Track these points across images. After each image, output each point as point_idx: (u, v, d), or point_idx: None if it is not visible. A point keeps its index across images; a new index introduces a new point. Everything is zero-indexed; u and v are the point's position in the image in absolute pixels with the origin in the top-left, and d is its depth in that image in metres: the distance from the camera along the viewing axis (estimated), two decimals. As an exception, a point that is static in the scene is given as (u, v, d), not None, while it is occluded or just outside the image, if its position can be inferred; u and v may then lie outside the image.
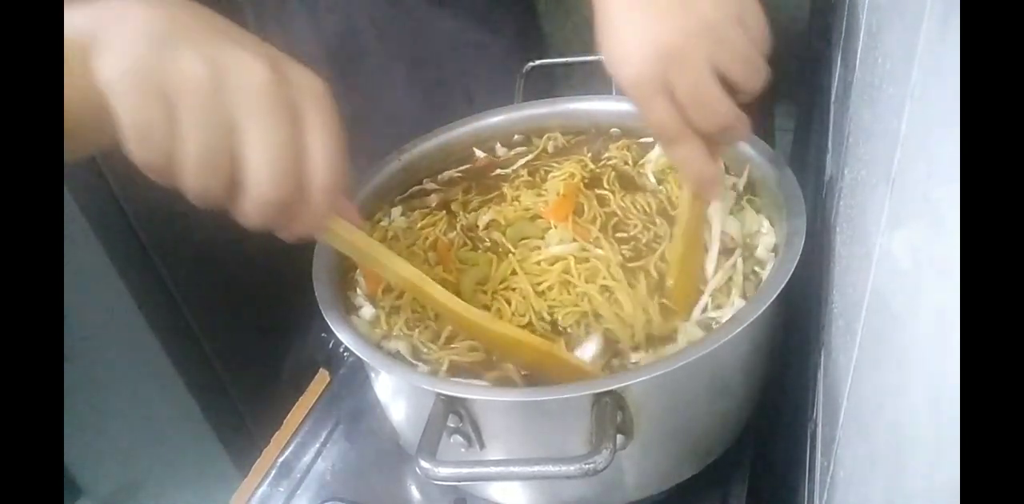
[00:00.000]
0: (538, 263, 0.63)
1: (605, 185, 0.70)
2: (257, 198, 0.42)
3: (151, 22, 0.39)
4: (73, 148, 0.41)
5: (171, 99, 0.39)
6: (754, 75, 0.50)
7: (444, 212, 0.71)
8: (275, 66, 0.41)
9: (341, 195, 0.47)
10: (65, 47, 0.39)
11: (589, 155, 0.74)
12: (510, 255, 0.64)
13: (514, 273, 0.63)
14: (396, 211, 0.73)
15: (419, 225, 0.70)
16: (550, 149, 0.76)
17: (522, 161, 0.75)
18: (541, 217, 0.67)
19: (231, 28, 0.43)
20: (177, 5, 0.42)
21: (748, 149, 0.67)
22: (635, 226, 0.66)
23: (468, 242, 0.67)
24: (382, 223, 0.72)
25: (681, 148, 0.53)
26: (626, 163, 0.72)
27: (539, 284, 0.61)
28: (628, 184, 0.70)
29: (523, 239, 0.66)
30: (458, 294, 0.59)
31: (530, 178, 0.73)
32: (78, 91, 0.39)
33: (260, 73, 0.40)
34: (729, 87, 0.50)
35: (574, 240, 0.64)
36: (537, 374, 0.57)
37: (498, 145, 0.78)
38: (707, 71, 0.49)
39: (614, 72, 0.51)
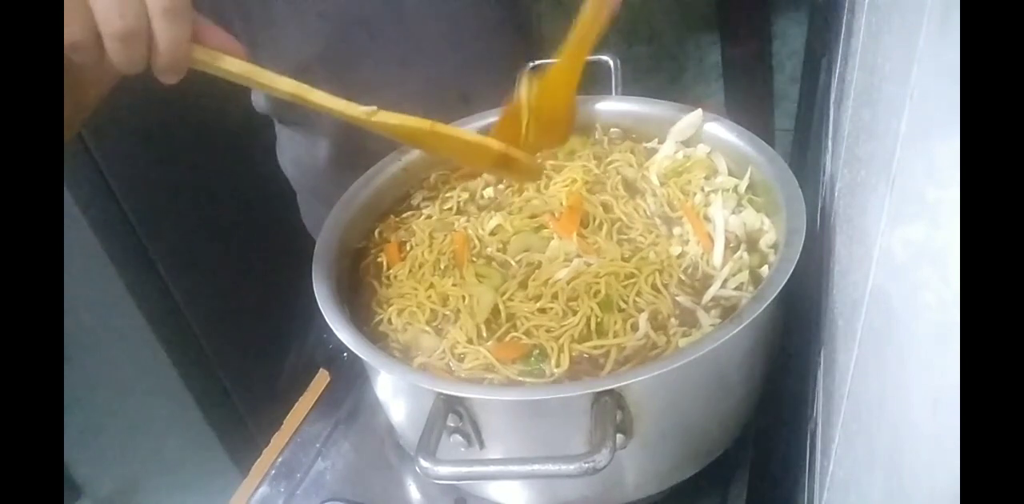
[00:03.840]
0: (545, 283, 0.62)
1: (609, 190, 0.70)
2: (110, 33, 0.46)
3: None
4: None
5: None
6: None
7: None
8: None
9: (203, 23, 0.51)
10: None
11: (594, 161, 0.73)
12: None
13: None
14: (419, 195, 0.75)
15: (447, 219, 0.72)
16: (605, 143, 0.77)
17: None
18: (546, 227, 0.67)
19: None
20: None
21: (748, 149, 0.68)
22: (637, 230, 0.66)
23: (478, 248, 0.67)
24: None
25: None
26: (631, 165, 0.72)
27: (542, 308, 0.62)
28: (630, 188, 0.70)
29: (525, 251, 0.65)
30: (479, 305, 0.61)
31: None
32: None
33: None
34: None
35: (578, 255, 0.64)
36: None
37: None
38: None
39: None
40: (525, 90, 0.64)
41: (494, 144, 0.63)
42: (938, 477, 0.23)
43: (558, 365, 0.57)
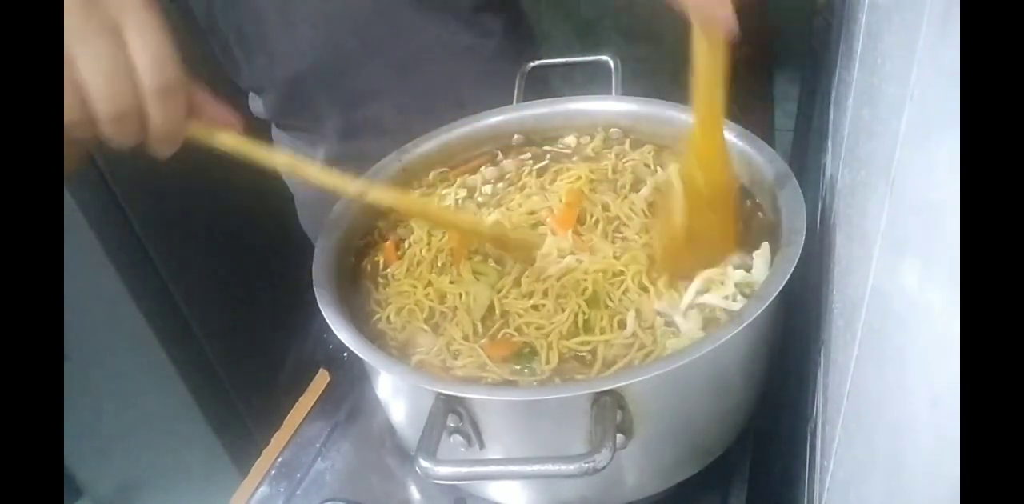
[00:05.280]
0: (537, 279, 0.63)
1: (616, 189, 0.70)
2: (102, 116, 0.45)
3: None
4: None
5: None
6: None
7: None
8: None
9: (200, 98, 0.50)
10: None
11: (613, 159, 0.73)
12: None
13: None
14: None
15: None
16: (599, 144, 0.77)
17: (528, 169, 0.76)
18: (543, 224, 0.67)
19: None
20: None
21: (748, 149, 0.68)
22: (633, 229, 0.66)
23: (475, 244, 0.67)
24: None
25: None
26: (646, 165, 0.72)
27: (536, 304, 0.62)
28: (637, 188, 0.70)
29: None
30: (476, 302, 0.62)
31: (539, 178, 0.73)
32: None
33: (70, 7, 0.44)
34: None
35: (572, 252, 0.64)
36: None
37: (499, 154, 0.78)
38: None
39: None
40: (675, 174, 0.59)
41: (485, 229, 0.64)
42: (938, 477, 0.23)
43: (547, 362, 0.58)
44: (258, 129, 0.97)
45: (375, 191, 0.61)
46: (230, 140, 0.53)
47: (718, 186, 0.59)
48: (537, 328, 0.59)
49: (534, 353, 0.58)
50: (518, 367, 0.58)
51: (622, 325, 0.59)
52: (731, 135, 0.69)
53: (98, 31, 0.44)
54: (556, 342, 0.58)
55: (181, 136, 0.50)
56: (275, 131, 0.98)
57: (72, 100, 0.44)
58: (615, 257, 0.63)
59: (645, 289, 0.60)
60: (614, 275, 0.61)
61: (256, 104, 0.92)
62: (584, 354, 0.58)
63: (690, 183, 0.59)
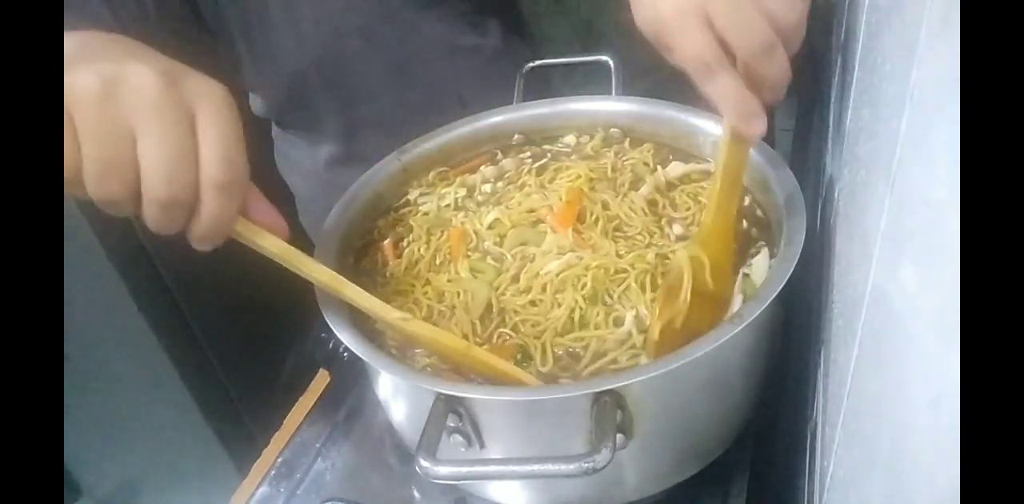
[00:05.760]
0: (536, 275, 0.63)
1: (616, 187, 0.70)
2: (154, 199, 0.43)
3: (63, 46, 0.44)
4: None
5: (69, 114, 0.41)
6: (792, 7, 0.50)
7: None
8: (169, 75, 0.43)
9: (253, 197, 0.49)
10: None
11: (612, 157, 0.73)
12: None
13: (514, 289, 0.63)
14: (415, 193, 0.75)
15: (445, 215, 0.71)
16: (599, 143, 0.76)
17: (527, 168, 0.75)
18: (543, 222, 0.67)
19: (140, 49, 0.45)
20: (100, 35, 0.45)
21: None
22: (635, 228, 0.66)
23: (475, 242, 0.67)
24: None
25: (719, 79, 0.51)
26: (646, 164, 0.72)
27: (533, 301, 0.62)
28: (636, 186, 0.70)
29: (522, 244, 0.66)
30: (474, 301, 0.61)
31: (538, 176, 0.73)
32: None
33: (151, 82, 0.42)
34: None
35: (572, 250, 0.64)
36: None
37: (499, 153, 0.78)
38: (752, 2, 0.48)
39: (649, 14, 0.51)
40: (685, 262, 0.58)
41: (528, 379, 0.56)
42: (938, 477, 0.23)
43: (543, 364, 0.58)
44: (259, 127, 0.97)
45: (416, 323, 0.57)
46: (274, 245, 0.51)
47: (721, 279, 0.58)
48: (533, 325, 0.59)
49: (528, 357, 0.58)
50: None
51: (618, 322, 0.58)
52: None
53: (173, 111, 0.42)
54: (550, 341, 0.58)
55: (227, 233, 0.48)
56: (275, 130, 0.98)
57: (118, 177, 0.42)
58: (618, 255, 0.63)
59: (645, 291, 0.60)
60: (616, 272, 0.61)
61: (256, 103, 0.92)
62: (578, 350, 0.58)
63: (696, 272, 0.58)
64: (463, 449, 0.56)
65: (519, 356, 0.59)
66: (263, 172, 1.00)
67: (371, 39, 0.84)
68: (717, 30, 0.49)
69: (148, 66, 0.43)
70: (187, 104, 0.43)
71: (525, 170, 0.75)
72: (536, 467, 0.49)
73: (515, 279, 0.63)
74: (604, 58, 0.80)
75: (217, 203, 0.45)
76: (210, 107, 0.44)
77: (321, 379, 0.81)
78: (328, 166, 0.93)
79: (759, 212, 0.66)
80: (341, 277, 0.55)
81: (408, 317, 0.57)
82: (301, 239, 0.96)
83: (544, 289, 0.61)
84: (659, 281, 0.60)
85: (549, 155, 0.77)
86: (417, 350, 0.61)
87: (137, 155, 0.42)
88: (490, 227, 0.68)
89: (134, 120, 0.42)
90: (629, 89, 0.79)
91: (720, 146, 0.58)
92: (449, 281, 0.64)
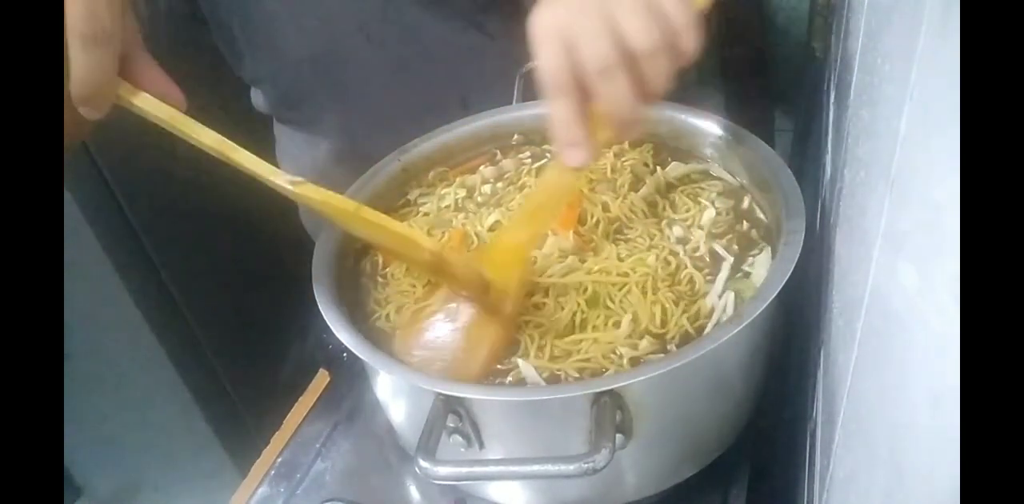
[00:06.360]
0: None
1: (616, 188, 0.70)
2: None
3: None
4: None
5: None
6: (648, 29, 0.49)
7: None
8: None
9: (144, 65, 0.50)
10: None
11: (612, 157, 0.73)
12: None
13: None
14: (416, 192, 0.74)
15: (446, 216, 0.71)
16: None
17: (527, 168, 0.75)
18: None
19: None
20: None
21: (748, 149, 0.68)
22: (636, 231, 0.66)
23: (476, 244, 0.67)
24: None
25: (555, 103, 0.51)
26: (645, 164, 0.72)
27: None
28: (636, 187, 0.70)
29: None
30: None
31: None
32: None
33: None
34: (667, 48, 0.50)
35: (573, 252, 0.64)
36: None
37: (498, 154, 0.78)
38: (608, 23, 0.48)
39: (530, 28, 0.52)
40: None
41: (425, 242, 0.57)
42: (938, 477, 0.23)
43: (536, 359, 0.57)
44: (260, 124, 0.97)
45: (305, 187, 0.56)
46: (155, 108, 0.51)
47: (502, 287, 0.58)
48: (536, 326, 0.59)
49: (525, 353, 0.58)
50: (502, 368, 0.58)
51: (617, 326, 0.58)
52: (731, 135, 0.70)
53: None
54: (550, 342, 0.58)
55: (106, 94, 0.48)
56: (276, 126, 0.98)
57: None
58: (619, 259, 0.63)
59: (645, 295, 0.60)
60: (618, 276, 0.61)
61: (258, 98, 0.92)
62: (573, 351, 0.58)
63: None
64: (463, 449, 0.56)
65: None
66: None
67: (374, 35, 0.84)
68: (572, 51, 0.49)
69: None
70: None
71: (525, 171, 0.75)
72: (536, 467, 0.49)
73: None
74: (604, 58, 0.79)
75: (84, 57, 0.46)
76: None
77: (321, 379, 0.81)
78: (328, 163, 0.93)
79: (759, 212, 0.66)
80: (229, 142, 0.54)
81: (299, 180, 0.56)
82: (303, 238, 0.96)
83: (547, 292, 0.61)
84: (659, 284, 0.60)
85: (549, 155, 0.77)
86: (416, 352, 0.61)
87: None
88: (491, 229, 0.68)
89: None
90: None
91: (549, 166, 0.59)
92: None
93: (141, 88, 0.50)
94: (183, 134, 0.53)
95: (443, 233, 0.69)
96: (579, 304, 0.59)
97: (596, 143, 0.53)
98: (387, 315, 0.64)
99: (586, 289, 0.60)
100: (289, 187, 0.55)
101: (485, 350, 0.58)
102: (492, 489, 0.63)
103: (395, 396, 0.63)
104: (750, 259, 0.62)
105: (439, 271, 0.59)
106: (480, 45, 0.88)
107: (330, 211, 0.58)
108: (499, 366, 0.58)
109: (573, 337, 0.58)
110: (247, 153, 0.54)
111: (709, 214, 0.66)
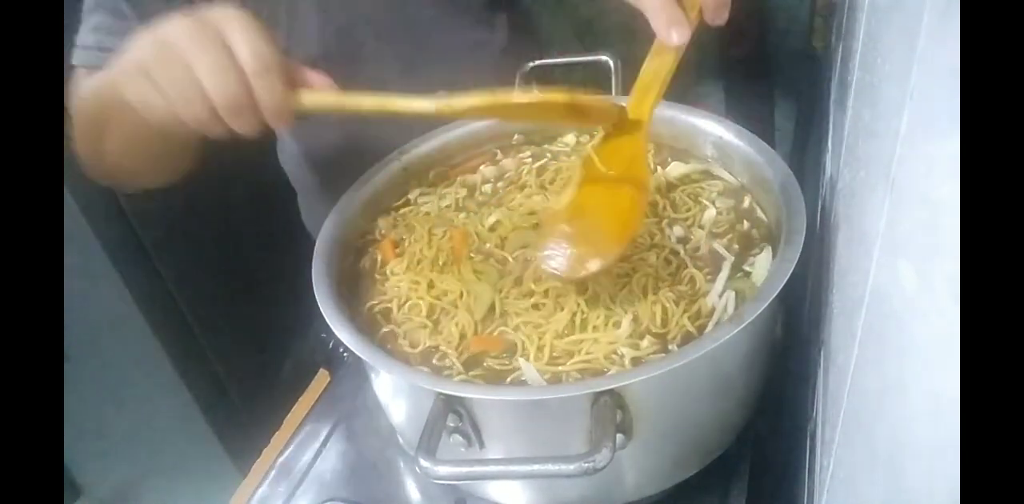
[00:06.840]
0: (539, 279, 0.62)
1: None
2: (222, 105, 0.53)
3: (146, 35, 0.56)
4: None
5: (146, 72, 0.55)
6: None
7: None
8: (196, 17, 0.54)
9: (300, 72, 0.58)
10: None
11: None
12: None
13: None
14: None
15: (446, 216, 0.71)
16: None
17: (528, 168, 0.75)
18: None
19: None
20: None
21: (748, 149, 0.68)
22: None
23: (477, 243, 0.67)
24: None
25: None
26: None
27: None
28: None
29: (523, 247, 0.65)
30: (477, 302, 0.62)
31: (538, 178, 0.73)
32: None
33: (184, 26, 0.54)
34: None
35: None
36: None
37: (499, 153, 0.78)
38: None
39: None
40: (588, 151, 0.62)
41: (558, 97, 0.58)
42: (938, 477, 0.23)
43: (536, 361, 0.57)
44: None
45: (447, 103, 0.57)
46: (330, 98, 0.57)
47: (624, 176, 0.61)
48: (535, 327, 0.59)
49: (524, 353, 0.58)
50: (499, 368, 0.58)
51: (617, 326, 0.58)
52: (731, 135, 0.70)
53: (205, 38, 0.53)
54: (550, 343, 0.58)
55: (290, 107, 0.56)
56: None
57: (194, 96, 0.53)
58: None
59: (646, 295, 0.60)
60: (618, 276, 0.61)
61: None
62: (574, 351, 0.58)
63: (593, 162, 0.61)
64: (463, 449, 0.56)
65: (505, 354, 0.58)
66: (265, 167, 1.01)
67: (379, 30, 0.84)
68: None
69: (180, 18, 0.54)
70: (215, 29, 0.54)
71: (525, 170, 0.75)
72: (536, 467, 0.49)
73: (517, 282, 0.63)
74: (604, 58, 0.80)
75: (264, 86, 0.54)
76: (233, 24, 0.54)
77: (321, 379, 0.81)
78: (329, 161, 0.93)
79: (759, 212, 0.66)
80: (386, 98, 0.57)
81: (441, 100, 0.57)
82: (303, 237, 0.96)
83: (547, 293, 0.61)
84: (660, 284, 0.60)
85: (549, 155, 0.77)
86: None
87: (198, 79, 0.53)
88: (491, 229, 0.68)
89: (185, 57, 0.53)
90: (629, 89, 0.79)
91: (650, 51, 0.62)
92: (456, 281, 0.64)
93: (301, 86, 0.57)
94: (348, 109, 0.58)
95: (444, 232, 0.69)
96: (579, 304, 0.59)
97: (691, 22, 0.58)
98: (387, 311, 0.64)
99: (586, 289, 0.60)
100: (440, 109, 0.57)
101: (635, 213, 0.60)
102: (492, 489, 0.63)
103: (395, 396, 0.63)
104: (751, 259, 0.62)
105: (581, 113, 0.62)
106: (483, 41, 0.89)
107: (481, 113, 0.61)
108: (499, 366, 0.58)
109: (574, 337, 0.58)
110: (402, 100, 0.57)
111: (710, 214, 0.66)
